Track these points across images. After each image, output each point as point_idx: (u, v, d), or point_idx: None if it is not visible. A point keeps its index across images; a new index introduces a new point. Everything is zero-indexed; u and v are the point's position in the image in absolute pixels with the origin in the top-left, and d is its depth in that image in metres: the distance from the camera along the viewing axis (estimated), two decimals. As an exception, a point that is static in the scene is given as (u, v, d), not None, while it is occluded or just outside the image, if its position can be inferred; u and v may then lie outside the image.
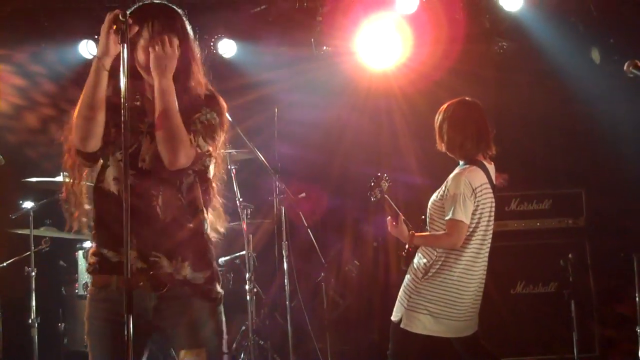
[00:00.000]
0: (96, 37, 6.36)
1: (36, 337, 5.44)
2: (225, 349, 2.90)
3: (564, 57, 6.26)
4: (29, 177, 5.49)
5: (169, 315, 2.77)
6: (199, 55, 2.90)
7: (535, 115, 6.51)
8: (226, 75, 6.14)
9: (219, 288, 2.89)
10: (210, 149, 2.81)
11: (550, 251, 5.89)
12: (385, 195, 4.13)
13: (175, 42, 2.73)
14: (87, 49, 6.36)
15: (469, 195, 3.95)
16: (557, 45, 6.24)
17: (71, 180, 2.86)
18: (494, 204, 4.11)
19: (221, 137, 2.86)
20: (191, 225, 2.81)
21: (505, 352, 5.55)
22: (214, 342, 2.83)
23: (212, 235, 2.93)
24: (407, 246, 4.13)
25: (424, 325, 3.97)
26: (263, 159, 5.41)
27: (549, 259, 5.80)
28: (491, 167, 4.14)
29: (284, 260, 5.61)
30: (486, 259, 4.13)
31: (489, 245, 4.13)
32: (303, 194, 5.70)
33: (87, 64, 6.48)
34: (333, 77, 6.71)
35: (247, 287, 5.50)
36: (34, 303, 5.47)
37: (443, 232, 4.02)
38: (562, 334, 5.64)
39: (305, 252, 5.81)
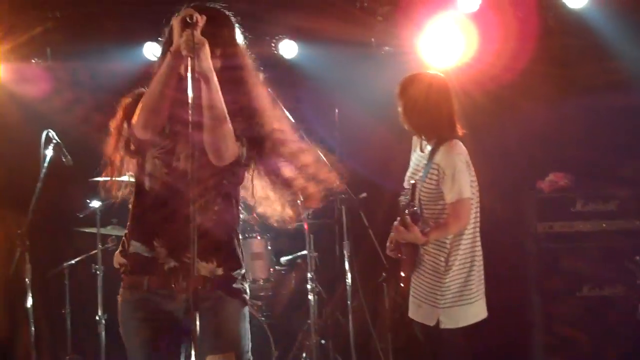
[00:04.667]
0: (159, 39, 6.48)
1: (103, 333, 5.56)
2: (250, 354, 2.89)
3: (630, 55, 6.12)
4: (95, 177, 5.61)
5: (199, 317, 2.74)
6: (250, 62, 2.91)
7: (601, 114, 6.38)
8: (287, 76, 6.16)
9: (247, 290, 2.91)
10: (251, 160, 2.82)
11: (616, 253, 5.75)
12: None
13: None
14: (151, 50, 6.48)
15: (464, 168, 3.96)
16: (623, 43, 6.10)
17: (116, 165, 2.90)
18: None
19: (265, 147, 2.85)
20: (226, 226, 2.83)
21: (572, 355, 5.47)
22: (242, 346, 2.84)
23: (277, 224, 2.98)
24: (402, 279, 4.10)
25: (465, 316, 3.98)
26: (324, 158, 5.42)
27: (616, 261, 5.67)
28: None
29: (346, 260, 5.62)
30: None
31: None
32: (364, 194, 5.70)
33: (151, 65, 6.59)
34: (394, 77, 6.65)
35: (308, 286, 5.52)
36: (100, 300, 5.59)
37: (447, 217, 3.96)
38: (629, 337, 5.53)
39: (366, 252, 5.80)
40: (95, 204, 5.67)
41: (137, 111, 2.71)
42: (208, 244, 2.75)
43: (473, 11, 5.98)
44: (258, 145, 2.82)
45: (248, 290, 2.92)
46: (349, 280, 5.60)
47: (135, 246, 2.82)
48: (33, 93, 6.26)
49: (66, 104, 6.39)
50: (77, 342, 5.88)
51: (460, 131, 4.11)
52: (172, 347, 2.74)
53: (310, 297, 5.50)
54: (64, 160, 5.25)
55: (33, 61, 6.36)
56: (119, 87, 6.32)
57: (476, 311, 4.02)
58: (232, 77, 2.80)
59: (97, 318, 5.59)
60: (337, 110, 5.89)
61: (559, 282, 5.63)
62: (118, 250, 2.92)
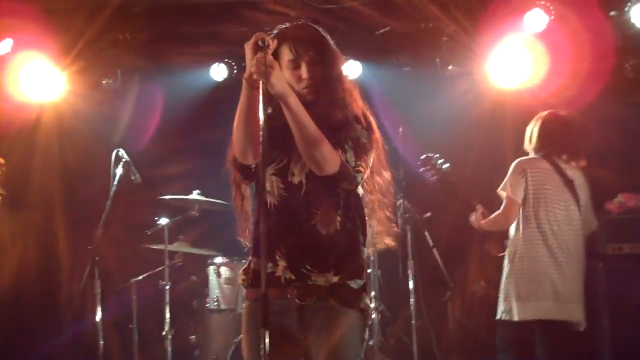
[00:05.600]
0: (226, 60, 6.62)
1: (169, 348, 5.64)
2: None
3: None
4: (163, 195, 5.73)
5: (312, 327, 2.79)
6: (346, 74, 2.97)
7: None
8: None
9: (368, 301, 2.89)
10: (361, 166, 2.80)
11: None
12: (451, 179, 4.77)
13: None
14: (217, 71, 6.60)
15: (516, 173, 4.52)
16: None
17: (238, 199, 3.00)
18: (562, 197, 4.49)
19: (370, 156, 2.86)
20: (347, 237, 2.83)
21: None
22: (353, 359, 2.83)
23: (376, 247, 2.99)
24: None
25: (512, 310, 4.36)
26: (389, 177, 5.43)
27: None
28: (572, 171, 4.58)
29: (410, 279, 5.60)
30: (556, 240, 4.41)
31: (558, 227, 4.44)
32: (428, 214, 5.68)
33: (217, 86, 6.74)
34: (459, 97, 6.64)
35: (372, 305, 5.51)
36: (167, 315, 5.68)
37: None
38: None
39: (430, 272, 5.77)
40: (163, 221, 5.77)
41: (233, 143, 2.80)
42: (328, 255, 2.79)
43: (540, 31, 5.91)
44: (363, 149, 2.82)
45: (368, 303, 2.89)
46: (412, 299, 5.57)
47: (256, 262, 2.87)
48: (104, 114, 6.41)
49: (135, 124, 6.54)
50: (143, 357, 5.96)
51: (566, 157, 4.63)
52: (286, 353, 2.76)
53: (374, 316, 5.49)
54: (132, 178, 5.36)
55: (104, 82, 6.51)
56: (186, 107, 6.53)
57: (523, 308, 4.37)
58: (327, 82, 2.84)
59: (163, 333, 5.68)
60: (400, 129, 5.88)
61: (628, 304, 5.50)
62: (242, 269, 2.97)
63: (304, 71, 2.82)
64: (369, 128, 2.87)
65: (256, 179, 2.92)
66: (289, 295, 2.77)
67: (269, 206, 2.84)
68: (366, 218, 2.94)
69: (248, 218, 3.02)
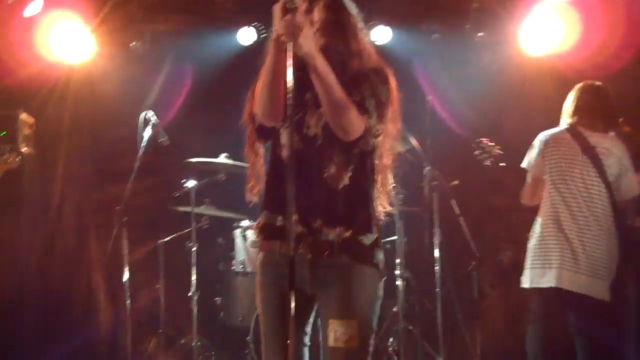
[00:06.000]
0: (254, 24, 6.59)
1: (195, 309, 5.71)
2: (375, 326, 2.86)
3: None
4: (191, 158, 5.75)
5: (325, 283, 2.80)
6: (361, 26, 2.95)
7: None
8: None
9: (381, 256, 2.89)
10: (380, 130, 2.80)
11: None
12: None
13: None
14: (245, 36, 6.58)
15: (536, 147, 4.61)
16: None
17: (252, 156, 3.01)
18: (582, 170, 4.45)
19: (389, 113, 2.84)
20: (357, 192, 2.83)
21: None
22: (367, 315, 2.82)
23: (378, 210, 2.93)
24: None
25: (532, 278, 4.45)
26: (417, 145, 5.41)
27: None
28: (607, 141, 4.51)
29: (435, 247, 5.60)
30: (574, 213, 4.41)
31: (576, 200, 4.42)
32: (456, 182, 5.65)
33: (244, 50, 6.72)
34: (489, 64, 6.58)
35: (397, 272, 5.52)
36: (194, 277, 5.74)
37: None
38: None
39: (456, 241, 5.76)
40: (190, 183, 5.81)
41: (257, 102, 2.79)
42: (338, 209, 2.79)
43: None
44: (384, 109, 2.81)
45: (382, 258, 2.89)
46: (438, 267, 5.57)
47: (268, 216, 2.89)
48: (132, 76, 6.43)
49: (163, 87, 6.55)
50: (169, 316, 6.05)
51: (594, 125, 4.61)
52: (298, 315, 2.71)
53: (399, 282, 5.50)
54: (161, 140, 5.38)
55: (131, 45, 6.52)
56: (213, 71, 6.53)
57: (536, 278, 4.45)
58: (341, 33, 2.85)
59: (189, 294, 5.75)
60: (429, 97, 5.83)
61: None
62: (256, 222, 2.98)
63: (316, 13, 2.83)
64: (386, 82, 2.85)
65: (272, 137, 2.92)
66: (301, 250, 2.77)
67: (283, 159, 2.85)
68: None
69: (259, 177, 3.02)
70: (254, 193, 3.03)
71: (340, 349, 2.76)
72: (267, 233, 2.90)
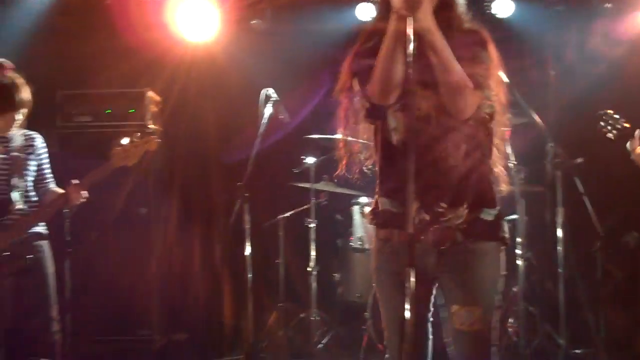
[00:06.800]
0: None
1: (314, 284, 5.80)
2: (498, 303, 2.83)
3: None
4: (311, 134, 5.81)
5: (449, 269, 2.78)
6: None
7: None
8: (500, 37, 6.00)
9: (505, 228, 2.84)
10: (490, 92, 2.74)
11: None
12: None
13: None
14: (363, 11, 6.55)
15: None
16: None
17: (346, 137, 2.98)
18: None
19: (494, 79, 2.76)
20: (476, 168, 2.77)
21: None
22: (491, 299, 2.79)
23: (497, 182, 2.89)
24: None
25: None
26: (540, 121, 5.27)
27: None
28: None
29: (558, 226, 5.45)
30: None
31: None
32: (580, 159, 5.46)
33: (361, 26, 6.65)
34: (616, 37, 6.31)
35: (518, 252, 5.41)
36: (313, 253, 5.82)
37: None
38: None
39: (580, 220, 5.59)
40: (310, 160, 5.88)
41: (372, 80, 2.71)
42: (459, 189, 2.74)
43: None
44: (493, 81, 2.75)
45: (506, 229, 2.84)
46: (560, 248, 5.43)
47: (385, 203, 2.86)
48: (253, 54, 6.52)
49: (283, 64, 6.62)
50: (289, 291, 6.16)
51: None
52: (420, 301, 2.73)
53: (519, 262, 5.39)
54: (281, 117, 5.46)
55: (252, 22, 6.61)
56: (331, 48, 6.55)
57: None
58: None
59: (308, 269, 5.85)
60: (552, 72, 5.66)
61: None
62: (370, 209, 2.97)
63: None
64: (485, 46, 2.75)
65: (381, 118, 2.84)
66: (422, 237, 2.74)
67: (396, 144, 2.80)
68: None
69: (354, 156, 3.00)
70: (356, 172, 3.02)
71: (465, 332, 2.78)
72: (383, 220, 2.87)
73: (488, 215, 2.79)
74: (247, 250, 5.19)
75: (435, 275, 2.83)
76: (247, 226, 5.21)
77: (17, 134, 4.36)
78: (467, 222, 2.75)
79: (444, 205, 2.74)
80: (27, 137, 4.41)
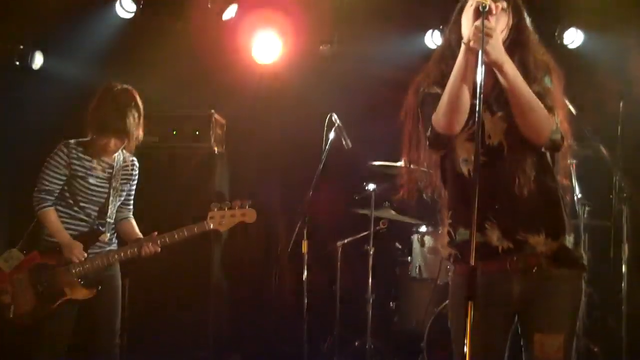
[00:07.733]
0: (441, 27, 6.53)
1: (370, 312, 5.76)
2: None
3: None
4: (373, 161, 5.80)
5: (533, 297, 2.76)
6: (533, 32, 2.88)
7: None
8: (571, 67, 5.91)
9: (582, 253, 2.85)
10: (559, 119, 2.74)
11: None
12: None
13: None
14: (432, 39, 6.55)
15: None
16: None
17: (411, 165, 3.01)
18: None
19: (560, 104, 2.78)
20: (549, 196, 2.78)
21: None
22: (573, 326, 2.79)
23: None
24: None
25: None
26: (607, 154, 5.16)
27: None
28: None
29: (623, 262, 5.31)
30: None
31: None
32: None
33: (429, 54, 6.63)
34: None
35: (580, 286, 5.28)
36: (370, 280, 5.79)
37: None
38: None
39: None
40: (371, 186, 5.87)
41: (438, 109, 2.74)
42: (538, 216, 2.74)
43: None
44: (562, 108, 2.80)
45: (583, 254, 2.86)
46: (624, 284, 5.29)
47: (463, 234, 2.85)
48: (319, 78, 6.56)
49: (349, 89, 6.64)
50: (344, 318, 6.13)
51: None
52: (501, 334, 2.78)
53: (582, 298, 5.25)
54: (344, 143, 5.48)
55: (321, 47, 6.66)
56: (399, 74, 6.52)
57: None
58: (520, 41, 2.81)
59: (365, 297, 5.81)
60: (621, 103, 5.55)
61: None
62: (446, 241, 2.95)
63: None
64: (554, 75, 2.80)
65: (446, 149, 2.86)
66: (508, 266, 2.74)
67: (467, 174, 2.81)
68: None
69: (413, 185, 3.01)
70: (411, 197, 3.04)
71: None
72: (464, 253, 2.82)
73: (568, 242, 2.79)
74: (305, 275, 5.19)
75: (519, 304, 2.80)
76: (305, 250, 5.21)
77: (121, 158, 4.43)
78: (551, 249, 2.74)
79: (523, 233, 2.73)
80: (130, 162, 4.49)
